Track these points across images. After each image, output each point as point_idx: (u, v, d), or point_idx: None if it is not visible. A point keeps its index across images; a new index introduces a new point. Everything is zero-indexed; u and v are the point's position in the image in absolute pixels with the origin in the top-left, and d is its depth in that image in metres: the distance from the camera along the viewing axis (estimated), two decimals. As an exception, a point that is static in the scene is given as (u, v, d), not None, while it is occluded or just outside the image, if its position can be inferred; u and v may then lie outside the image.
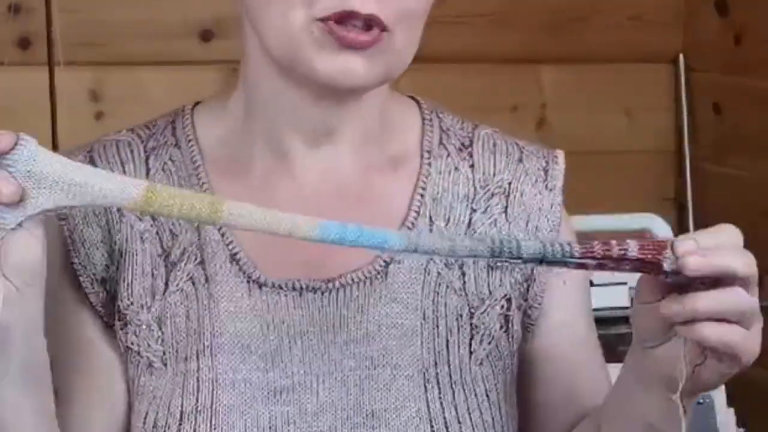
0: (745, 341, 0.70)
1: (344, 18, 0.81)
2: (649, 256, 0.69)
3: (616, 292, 1.49)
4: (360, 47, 0.81)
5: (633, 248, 0.71)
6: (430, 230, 0.93)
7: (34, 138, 0.72)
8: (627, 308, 1.49)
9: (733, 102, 2.08)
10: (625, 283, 1.56)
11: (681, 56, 2.15)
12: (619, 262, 0.71)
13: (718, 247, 0.70)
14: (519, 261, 0.74)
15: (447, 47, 1.98)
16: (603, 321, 1.24)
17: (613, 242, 0.71)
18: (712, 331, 0.68)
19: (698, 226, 2.06)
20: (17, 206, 0.71)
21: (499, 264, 0.87)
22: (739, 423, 1.61)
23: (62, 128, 1.81)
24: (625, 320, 1.49)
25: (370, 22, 0.81)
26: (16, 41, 1.85)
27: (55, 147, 1.76)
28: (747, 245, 1.16)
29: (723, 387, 1.52)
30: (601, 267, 0.73)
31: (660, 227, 1.72)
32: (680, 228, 2.06)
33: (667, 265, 0.68)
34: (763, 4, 1.96)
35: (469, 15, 2.08)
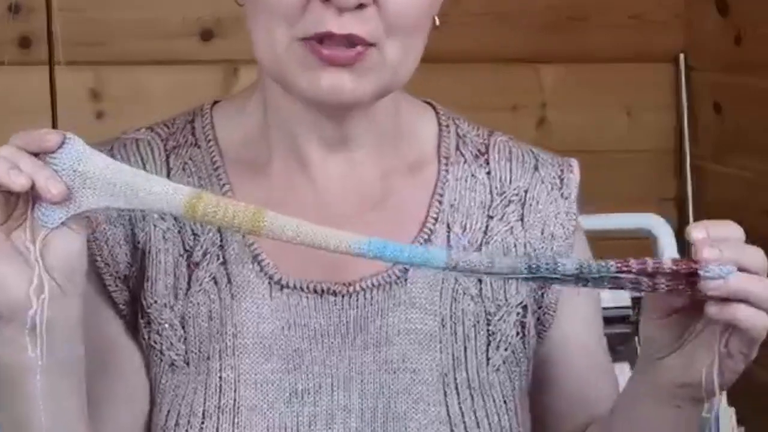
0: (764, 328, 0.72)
1: (324, 38, 0.81)
2: (684, 267, 0.70)
3: (616, 292, 1.48)
4: (342, 64, 0.82)
5: (667, 262, 0.71)
6: (448, 237, 0.94)
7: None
8: (627, 308, 1.50)
9: (733, 101, 2.08)
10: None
11: (681, 56, 2.15)
12: (654, 276, 0.71)
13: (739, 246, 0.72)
14: (557, 278, 0.75)
15: (447, 46, 1.81)
16: (604, 320, 1.27)
17: (648, 259, 0.72)
18: (745, 313, 0.70)
19: (697, 221, 2.13)
20: (61, 205, 0.71)
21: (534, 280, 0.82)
22: (739, 422, 1.61)
23: (62, 128, 1.85)
24: (624, 319, 1.51)
25: (351, 41, 0.81)
26: (16, 41, 1.86)
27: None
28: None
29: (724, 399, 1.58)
30: (636, 285, 0.74)
31: (660, 227, 1.72)
32: (681, 227, 1.99)
33: (703, 272, 0.69)
34: (764, 4, 1.95)
35: (470, 14, 2.06)
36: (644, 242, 1.74)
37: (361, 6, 0.79)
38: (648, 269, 0.70)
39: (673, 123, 2.18)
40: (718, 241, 0.71)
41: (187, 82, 1.93)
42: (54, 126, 1.81)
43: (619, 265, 0.71)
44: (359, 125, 0.89)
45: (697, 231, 0.71)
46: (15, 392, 0.77)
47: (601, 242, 1.80)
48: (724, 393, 1.52)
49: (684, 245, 1.99)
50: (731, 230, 0.73)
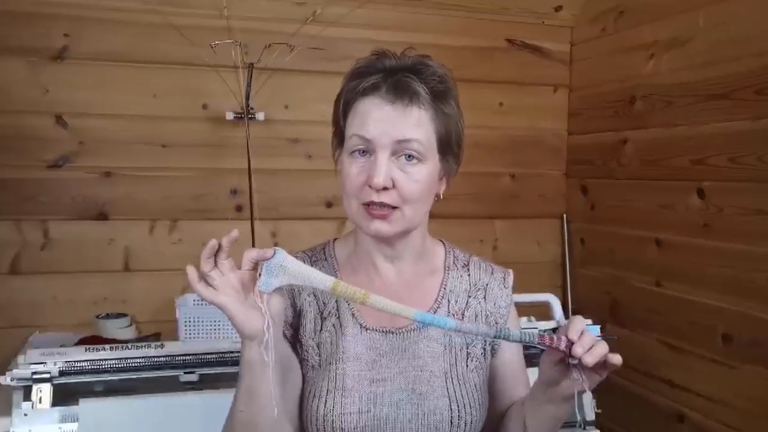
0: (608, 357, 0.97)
1: (373, 203, 1.07)
2: (569, 349, 0.96)
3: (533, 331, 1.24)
4: (380, 218, 1.07)
5: (563, 343, 0.96)
6: (448, 307, 1.18)
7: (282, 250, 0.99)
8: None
9: (589, 238, 2.73)
10: (536, 328, 1.86)
11: (564, 215, 2.83)
12: (554, 348, 0.97)
13: (586, 334, 0.97)
14: (507, 340, 1.00)
15: (448, 210, 2.45)
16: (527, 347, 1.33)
17: (555, 338, 0.96)
18: (594, 359, 0.96)
19: (573, 301, 2.73)
20: (275, 280, 0.97)
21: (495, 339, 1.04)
22: (597, 407, 1.78)
23: None
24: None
25: (383, 205, 1.07)
26: (234, 207, 2.50)
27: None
28: (599, 316, 1.90)
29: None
30: (545, 347, 0.97)
31: (553, 300, 2.15)
32: (564, 301, 2.65)
33: (576, 353, 0.94)
34: (605, 190, 2.58)
35: (458, 193, 2.65)
36: (545, 308, 2.14)
37: (386, 189, 1.05)
38: (553, 345, 0.96)
39: (560, 249, 2.86)
40: (580, 338, 0.95)
41: (319, 231, 2.45)
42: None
43: (540, 341, 0.97)
44: (402, 249, 1.16)
45: (579, 344, 0.94)
46: (252, 373, 1.01)
47: (526, 308, 1.99)
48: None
49: (565, 308, 2.50)
50: (581, 327, 0.97)
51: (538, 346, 1.00)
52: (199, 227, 2.40)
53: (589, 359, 0.96)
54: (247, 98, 2.29)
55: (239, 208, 2.47)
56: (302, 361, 1.17)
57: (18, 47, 2.22)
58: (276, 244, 2.44)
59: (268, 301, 0.99)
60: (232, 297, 0.98)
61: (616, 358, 0.97)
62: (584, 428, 1.95)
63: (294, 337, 1.18)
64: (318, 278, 1.00)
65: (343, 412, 1.09)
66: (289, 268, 0.99)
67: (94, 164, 2.34)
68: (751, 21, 1.91)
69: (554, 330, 1.74)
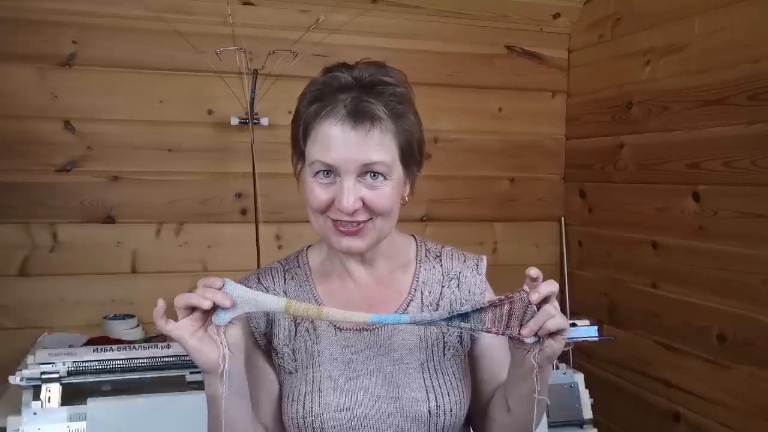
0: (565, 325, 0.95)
1: (342, 222, 1.06)
2: (515, 333, 0.95)
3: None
4: (351, 234, 1.07)
5: (515, 331, 0.96)
6: (421, 299, 1.17)
7: (231, 279, 0.99)
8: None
9: (587, 240, 2.76)
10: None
11: (562, 218, 2.86)
12: (502, 335, 0.96)
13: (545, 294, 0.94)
14: (459, 319, 0.98)
15: (448, 213, 2.71)
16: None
17: (502, 328, 0.95)
18: (553, 323, 0.95)
19: (571, 303, 2.71)
20: (228, 312, 0.97)
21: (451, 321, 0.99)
22: (591, 397, 2.07)
23: (262, 253, 2.36)
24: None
25: (354, 220, 1.05)
26: (239, 210, 2.50)
27: (258, 262, 2.29)
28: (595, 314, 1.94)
29: (583, 378, 2.04)
30: (497, 330, 0.96)
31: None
32: (562, 300, 2.61)
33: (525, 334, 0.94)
34: (602, 193, 2.63)
35: (458, 197, 2.76)
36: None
37: (356, 211, 1.05)
38: (499, 333, 0.95)
39: (558, 251, 2.87)
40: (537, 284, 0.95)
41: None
42: (258, 251, 2.32)
43: (489, 329, 0.96)
44: (372, 254, 1.17)
45: (533, 271, 0.95)
46: (214, 404, 1.03)
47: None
48: (583, 383, 2.01)
49: (563, 309, 2.04)
50: (538, 273, 0.97)
51: (488, 333, 1.00)
52: (205, 230, 2.44)
53: (534, 297, 0.96)
54: (252, 104, 2.31)
55: (244, 212, 2.49)
56: (279, 367, 1.18)
57: (27, 54, 2.26)
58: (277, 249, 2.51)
59: (225, 332, 1.00)
60: (189, 331, 1.00)
61: (554, 322, 0.96)
62: (582, 427, 1.98)
63: (268, 346, 1.20)
64: (270, 301, 1.00)
65: (321, 412, 1.10)
66: (239, 297, 0.99)
67: (102, 168, 2.38)
68: (746, 28, 1.95)
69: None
